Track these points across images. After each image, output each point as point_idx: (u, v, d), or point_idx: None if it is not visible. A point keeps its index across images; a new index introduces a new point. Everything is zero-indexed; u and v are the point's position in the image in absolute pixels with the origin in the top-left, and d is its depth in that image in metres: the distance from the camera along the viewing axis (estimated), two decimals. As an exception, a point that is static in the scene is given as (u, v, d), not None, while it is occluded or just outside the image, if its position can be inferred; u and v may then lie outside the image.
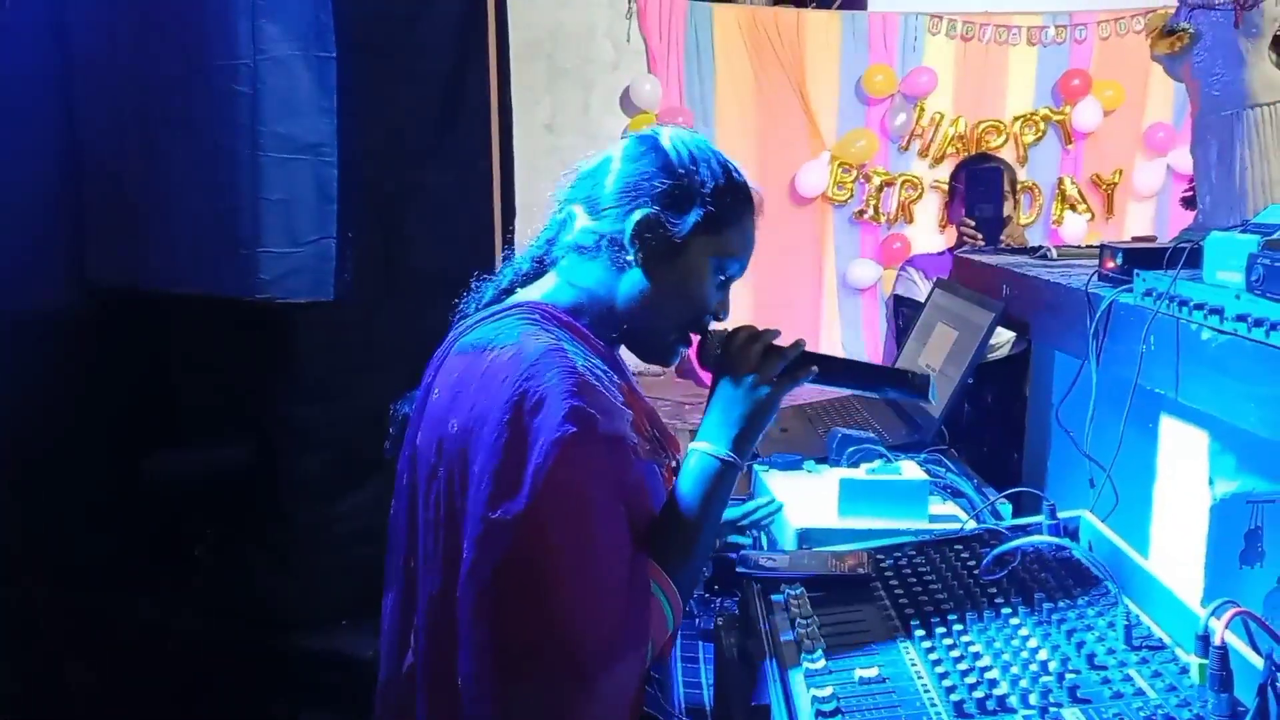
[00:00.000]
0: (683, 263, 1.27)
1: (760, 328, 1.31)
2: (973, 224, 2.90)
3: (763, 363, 1.26)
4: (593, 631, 1.13)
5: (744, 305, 6.94)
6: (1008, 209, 3.00)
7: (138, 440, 2.34)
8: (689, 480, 1.26)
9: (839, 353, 6.97)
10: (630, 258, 1.26)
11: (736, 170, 1.34)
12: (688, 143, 1.31)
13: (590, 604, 1.13)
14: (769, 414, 1.27)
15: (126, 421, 2.43)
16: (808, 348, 1.30)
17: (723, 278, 1.32)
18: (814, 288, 6.97)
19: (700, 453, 1.26)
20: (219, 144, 2.20)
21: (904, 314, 2.93)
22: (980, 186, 2.95)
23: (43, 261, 2.42)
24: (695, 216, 1.26)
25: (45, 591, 2.38)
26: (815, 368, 1.28)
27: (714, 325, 1.33)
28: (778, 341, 1.30)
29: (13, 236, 2.37)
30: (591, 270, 1.29)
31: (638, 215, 1.25)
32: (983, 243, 2.84)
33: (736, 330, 1.31)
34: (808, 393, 1.52)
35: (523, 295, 1.33)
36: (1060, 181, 6.81)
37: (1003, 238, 2.87)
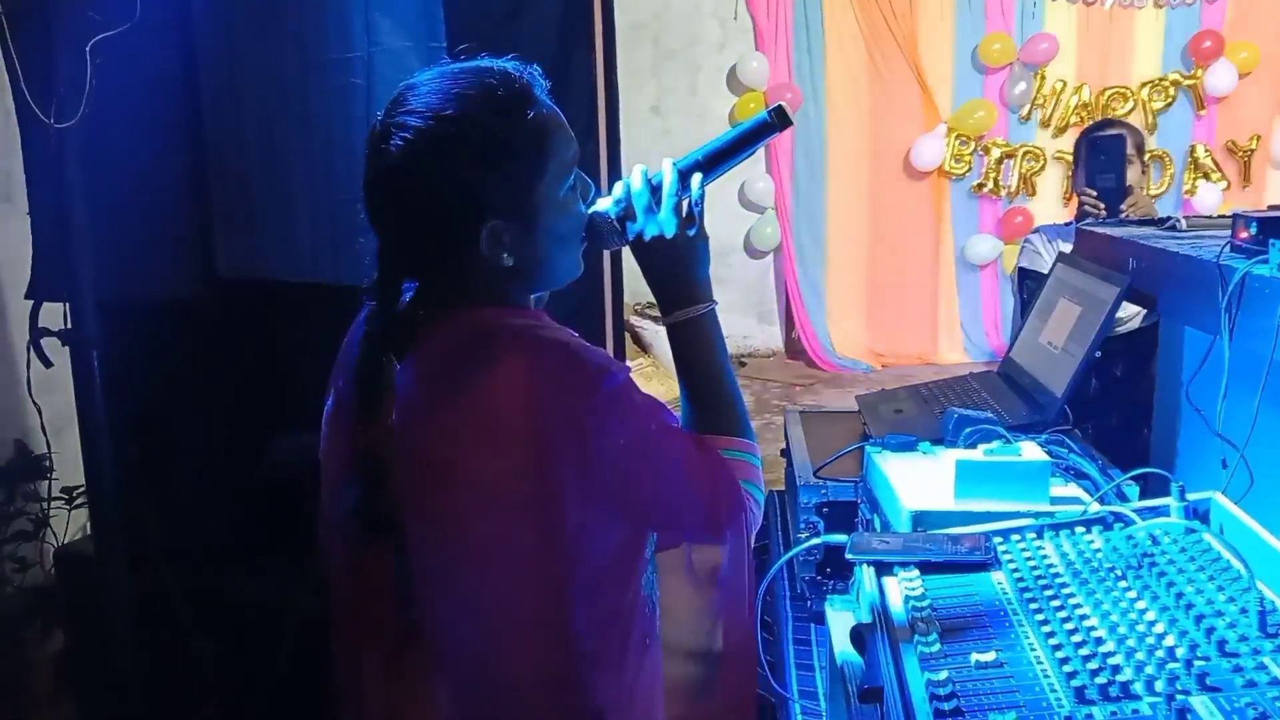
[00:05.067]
0: (541, 223, 1.16)
1: (636, 180, 1.24)
2: (1094, 194, 2.79)
3: (665, 210, 1.23)
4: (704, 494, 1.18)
5: (859, 282, 6.85)
6: (1133, 175, 2.87)
7: (260, 426, 2.43)
8: (694, 350, 1.25)
9: (956, 333, 6.82)
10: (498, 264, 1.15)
11: (489, 87, 1.14)
12: (429, 116, 1.12)
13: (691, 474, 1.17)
14: (707, 245, 1.26)
15: (253, 407, 2.53)
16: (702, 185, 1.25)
17: (571, 185, 1.19)
18: (931, 264, 6.84)
19: (687, 320, 1.24)
20: (335, 136, 2.27)
21: (1029, 287, 2.85)
22: (1101, 155, 2.83)
23: (175, 255, 2.53)
24: (514, 181, 1.13)
25: (174, 572, 2.50)
26: (700, 174, 1.25)
27: (596, 207, 1.25)
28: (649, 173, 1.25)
29: (149, 232, 2.49)
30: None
31: (482, 235, 1.13)
32: (1105, 213, 2.74)
33: (619, 200, 1.25)
34: (924, 373, 1.49)
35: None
36: (1192, 149, 6.53)
37: (1123, 208, 2.75)
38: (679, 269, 1.25)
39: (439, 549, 1.15)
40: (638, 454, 1.13)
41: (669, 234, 1.23)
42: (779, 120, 1.26)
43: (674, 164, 1.25)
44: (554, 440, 1.08)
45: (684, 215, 1.24)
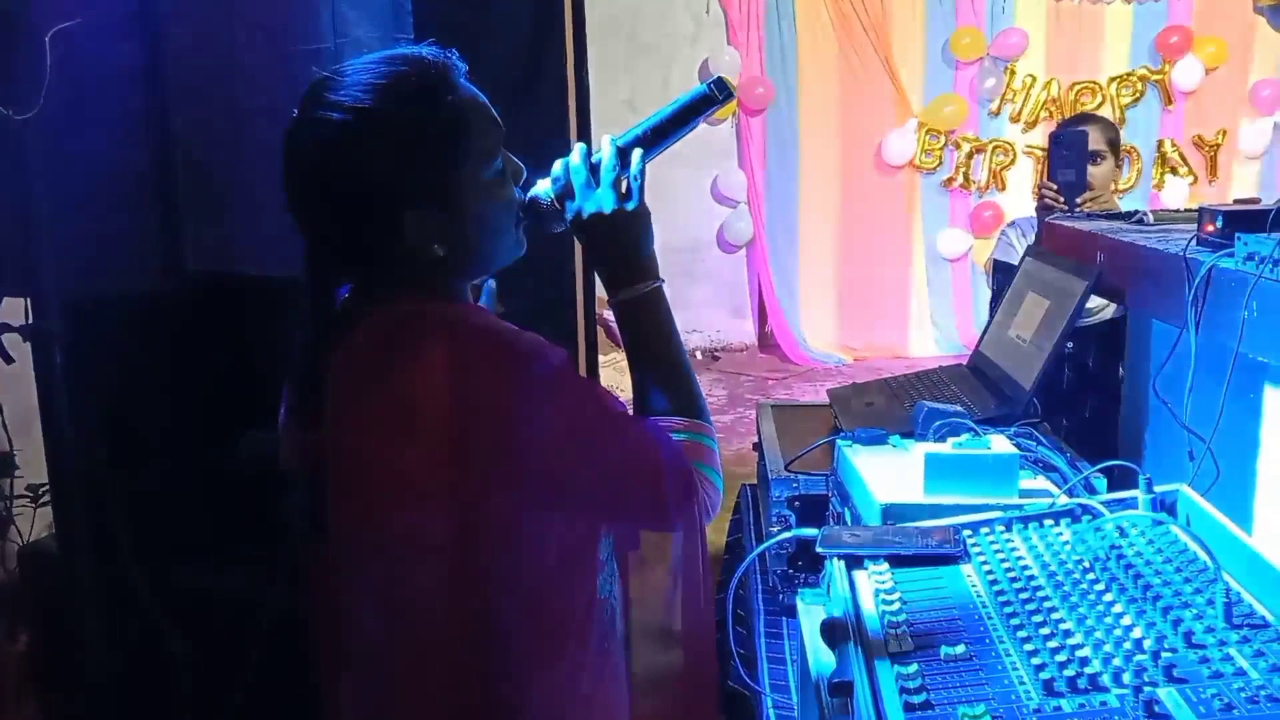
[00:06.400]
0: (466, 209, 1.15)
1: (575, 156, 1.23)
2: (1055, 188, 2.79)
3: (603, 186, 1.22)
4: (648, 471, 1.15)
5: (831, 277, 6.87)
6: (1106, 170, 2.88)
7: (230, 420, 2.41)
8: (642, 330, 1.23)
9: (927, 326, 6.86)
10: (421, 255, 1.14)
11: (403, 76, 1.13)
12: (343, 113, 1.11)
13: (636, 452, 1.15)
14: (648, 220, 1.24)
15: (220, 402, 2.50)
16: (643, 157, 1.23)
17: (498, 169, 1.19)
18: (902, 258, 6.87)
19: (633, 299, 1.22)
20: (303, 129, 2.25)
21: (1000, 279, 2.85)
22: (1064, 150, 2.83)
23: (141, 248, 2.50)
24: (431, 168, 1.12)
25: (144, 567, 2.47)
26: (640, 149, 1.24)
27: (536, 189, 1.25)
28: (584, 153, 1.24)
29: (113, 225, 2.45)
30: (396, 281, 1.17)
31: (405, 226, 1.12)
32: (1064, 207, 2.74)
33: (556, 179, 1.24)
34: (895, 367, 1.48)
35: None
36: (1160, 144, 6.60)
37: (1079, 201, 2.75)
38: (621, 246, 1.23)
39: (356, 544, 1.13)
40: (570, 441, 1.10)
41: (607, 210, 1.21)
42: (719, 92, 1.26)
43: (613, 140, 1.24)
44: (475, 428, 1.06)
45: (622, 191, 1.22)
